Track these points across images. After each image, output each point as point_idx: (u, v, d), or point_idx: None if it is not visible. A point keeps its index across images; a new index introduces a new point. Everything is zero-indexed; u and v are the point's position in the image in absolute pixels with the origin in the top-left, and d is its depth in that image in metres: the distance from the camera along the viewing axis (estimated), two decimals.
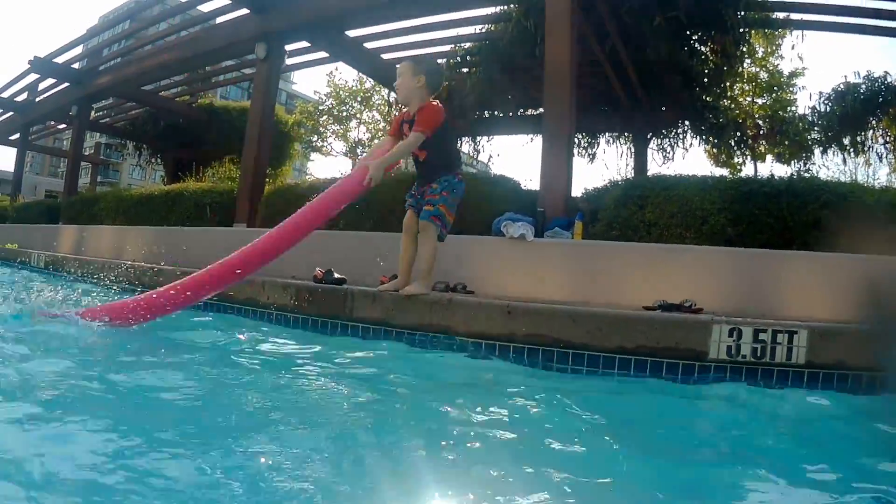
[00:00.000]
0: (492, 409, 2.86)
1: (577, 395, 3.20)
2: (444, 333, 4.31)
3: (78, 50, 15.78)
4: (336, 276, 5.33)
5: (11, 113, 20.89)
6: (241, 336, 4.55)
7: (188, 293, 4.22)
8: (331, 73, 26.55)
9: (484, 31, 11.56)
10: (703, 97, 12.10)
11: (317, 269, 5.55)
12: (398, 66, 5.06)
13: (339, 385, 3.33)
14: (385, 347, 4.35)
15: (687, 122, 13.14)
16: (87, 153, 27.84)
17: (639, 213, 6.50)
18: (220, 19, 12.15)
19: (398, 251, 4.97)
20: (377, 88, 24.11)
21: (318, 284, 5.31)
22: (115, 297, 5.57)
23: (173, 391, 2.94)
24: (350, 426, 2.60)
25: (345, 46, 12.13)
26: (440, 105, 4.92)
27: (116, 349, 3.84)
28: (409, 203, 5.03)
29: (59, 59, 15.81)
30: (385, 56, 13.04)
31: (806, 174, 11.17)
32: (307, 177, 34.39)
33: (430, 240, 4.77)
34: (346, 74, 44.61)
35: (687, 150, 13.61)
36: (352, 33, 11.83)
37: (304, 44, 12.39)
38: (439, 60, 12.86)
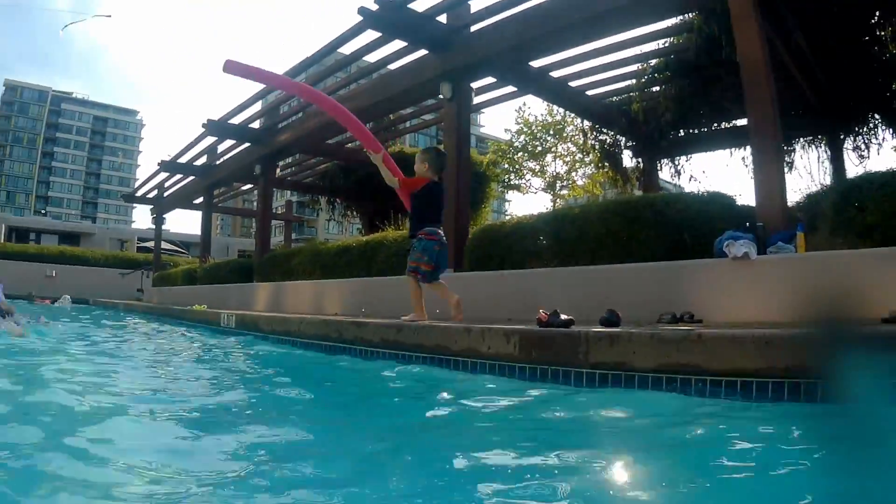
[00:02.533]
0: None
1: None
2: (694, 373, 3.87)
3: (254, 109, 15.98)
4: (563, 317, 5.01)
5: (193, 177, 21.81)
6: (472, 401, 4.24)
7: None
8: (519, 108, 26.32)
9: (667, 44, 11.20)
10: (893, 86, 11.29)
11: (540, 310, 5.21)
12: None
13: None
14: (637, 396, 3.96)
15: (877, 116, 12.28)
16: (277, 212, 28.79)
17: (859, 216, 5.98)
18: (398, 63, 12.02)
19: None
20: (568, 118, 23.65)
21: (545, 329, 4.92)
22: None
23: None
24: None
25: (530, 78, 11.82)
26: (428, 181, 7.07)
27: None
28: None
29: (237, 120, 16.14)
30: (573, 84, 12.70)
31: None
32: (505, 216, 33.48)
33: (410, 285, 7.12)
34: (535, 109, 43.58)
35: (881, 144, 12.68)
36: (536, 64, 11.56)
37: (488, 81, 12.24)
38: (630, 81, 12.66)
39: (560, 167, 25.79)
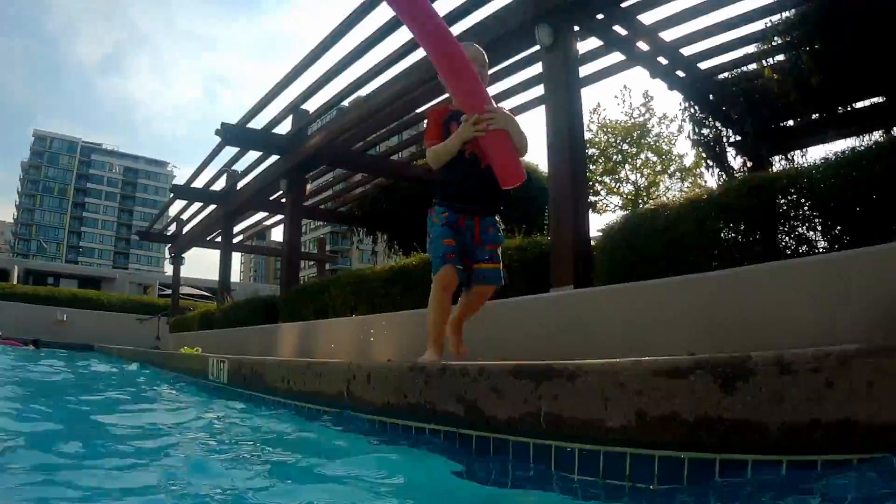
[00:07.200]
0: None
1: None
2: None
3: (277, 107, 12.72)
4: None
5: (214, 207, 18.74)
6: None
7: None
8: (594, 109, 23.08)
9: None
10: None
11: None
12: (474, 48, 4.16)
13: None
14: None
15: None
16: (310, 251, 25.71)
17: None
18: (477, 16, 8.81)
19: None
20: (654, 118, 21.12)
21: None
22: None
23: None
24: None
25: (638, 35, 8.95)
26: None
27: None
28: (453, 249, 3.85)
29: (258, 124, 12.96)
30: (686, 51, 9.65)
31: None
32: None
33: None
34: (612, 112, 40.45)
35: None
36: (646, 19, 8.68)
37: (588, 48, 9.47)
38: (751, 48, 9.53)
39: (639, 179, 22.49)
